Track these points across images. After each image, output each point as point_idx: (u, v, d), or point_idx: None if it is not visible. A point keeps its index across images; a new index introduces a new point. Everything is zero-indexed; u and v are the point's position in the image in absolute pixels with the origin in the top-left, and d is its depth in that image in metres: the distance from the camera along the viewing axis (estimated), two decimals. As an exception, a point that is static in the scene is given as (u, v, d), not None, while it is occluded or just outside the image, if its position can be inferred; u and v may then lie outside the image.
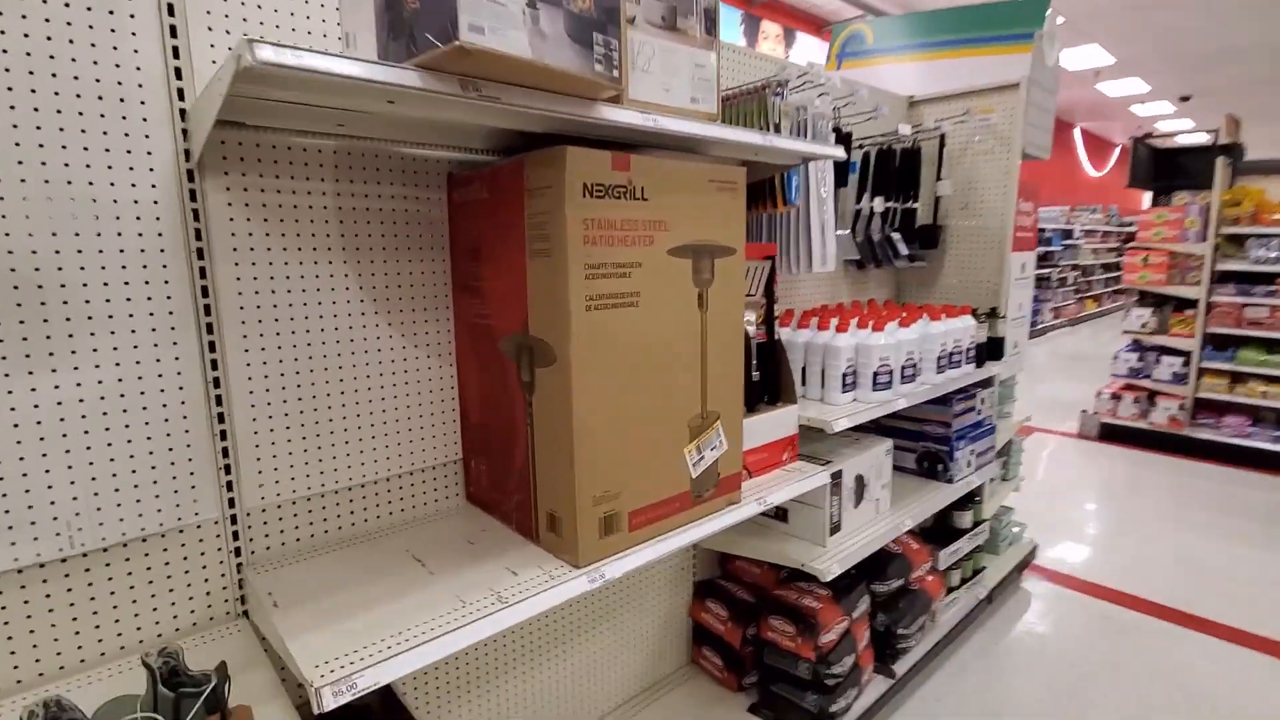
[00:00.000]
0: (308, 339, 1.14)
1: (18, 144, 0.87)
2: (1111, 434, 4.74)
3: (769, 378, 1.55)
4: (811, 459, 1.69)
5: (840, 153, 1.42)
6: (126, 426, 0.98)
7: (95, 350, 0.95)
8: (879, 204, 2.18)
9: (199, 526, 1.07)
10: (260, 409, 1.10)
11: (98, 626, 0.99)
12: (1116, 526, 3.37)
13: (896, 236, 2.22)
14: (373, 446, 1.24)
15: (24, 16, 0.86)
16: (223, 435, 1.07)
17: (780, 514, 1.78)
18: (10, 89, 0.86)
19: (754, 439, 1.46)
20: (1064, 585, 2.77)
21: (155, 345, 0.99)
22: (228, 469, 1.09)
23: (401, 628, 0.91)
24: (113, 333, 0.96)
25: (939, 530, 2.28)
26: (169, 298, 1.00)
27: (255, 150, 1.05)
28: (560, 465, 1.07)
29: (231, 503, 1.10)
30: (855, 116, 2.01)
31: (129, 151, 0.95)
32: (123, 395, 0.98)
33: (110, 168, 0.94)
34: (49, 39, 0.88)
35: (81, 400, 0.94)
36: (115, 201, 0.94)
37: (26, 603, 0.93)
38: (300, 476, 1.16)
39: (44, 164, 0.89)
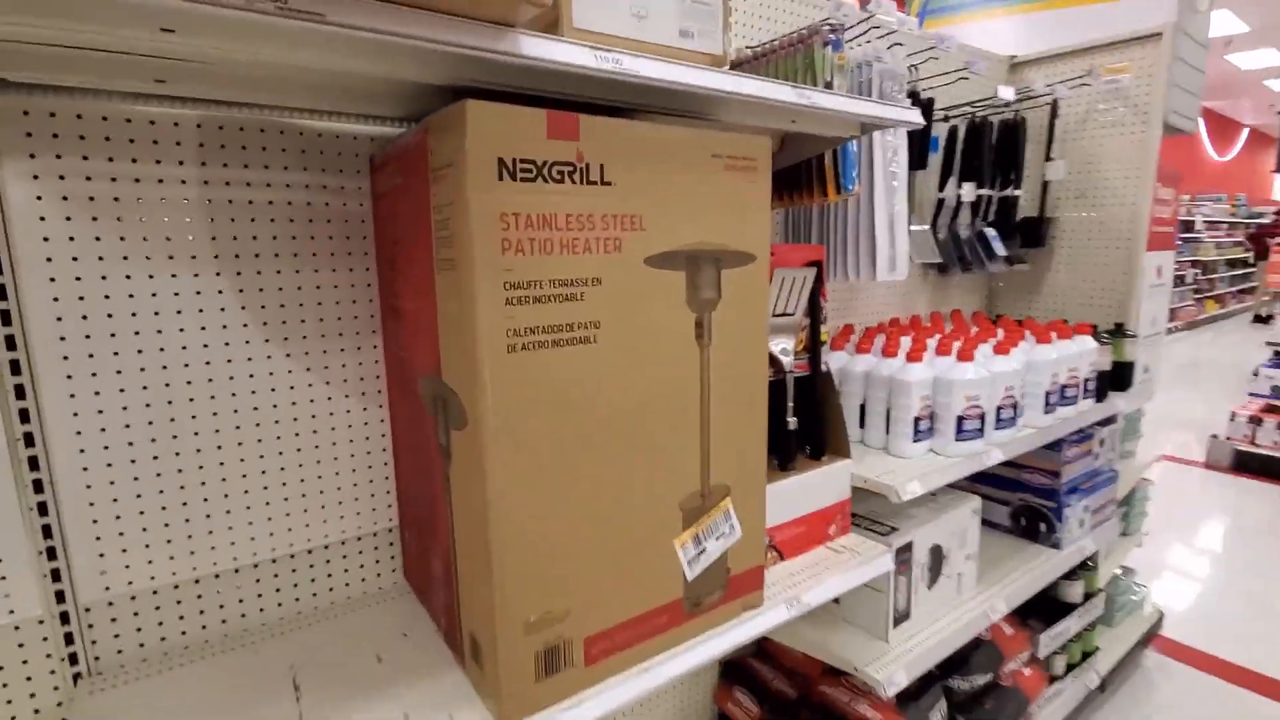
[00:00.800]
0: (167, 377, 0.85)
1: None
2: (1248, 465, 4.00)
3: (811, 423, 1.17)
4: (871, 524, 1.30)
5: (915, 116, 1.01)
6: (-112, 503, 0.72)
7: None
8: (968, 191, 1.73)
9: (16, 628, 0.80)
10: (99, 471, 0.82)
11: None
12: (1260, 585, 2.74)
13: (991, 233, 1.76)
14: (267, 515, 0.94)
15: None
16: (41, 509, 0.80)
17: (828, 590, 1.39)
18: None
19: (787, 509, 1.08)
20: (1195, 665, 2.22)
21: (-72, 392, 0.72)
22: (52, 552, 0.81)
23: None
24: None
25: (1040, 604, 1.81)
26: (-54, 327, 0.73)
27: (77, 124, 0.77)
28: (478, 573, 0.73)
29: (61, 596, 0.82)
30: (938, 79, 1.57)
31: (-128, 124, 0.67)
32: (-120, 461, 0.71)
33: None
34: None
35: None
36: None
37: None
38: (162, 559, 0.88)
39: None
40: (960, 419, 1.28)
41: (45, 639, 0.82)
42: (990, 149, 1.75)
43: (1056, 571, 1.62)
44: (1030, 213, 1.95)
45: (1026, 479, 1.68)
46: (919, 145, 1.54)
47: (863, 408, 1.36)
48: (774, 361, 1.11)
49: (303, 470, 0.97)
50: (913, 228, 1.61)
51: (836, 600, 1.37)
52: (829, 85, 1.11)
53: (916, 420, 1.28)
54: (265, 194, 0.89)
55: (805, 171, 1.20)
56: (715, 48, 0.77)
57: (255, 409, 0.92)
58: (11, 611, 0.80)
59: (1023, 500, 1.70)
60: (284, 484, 0.95)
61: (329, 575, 1.01)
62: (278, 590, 0.97)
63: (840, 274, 1.36)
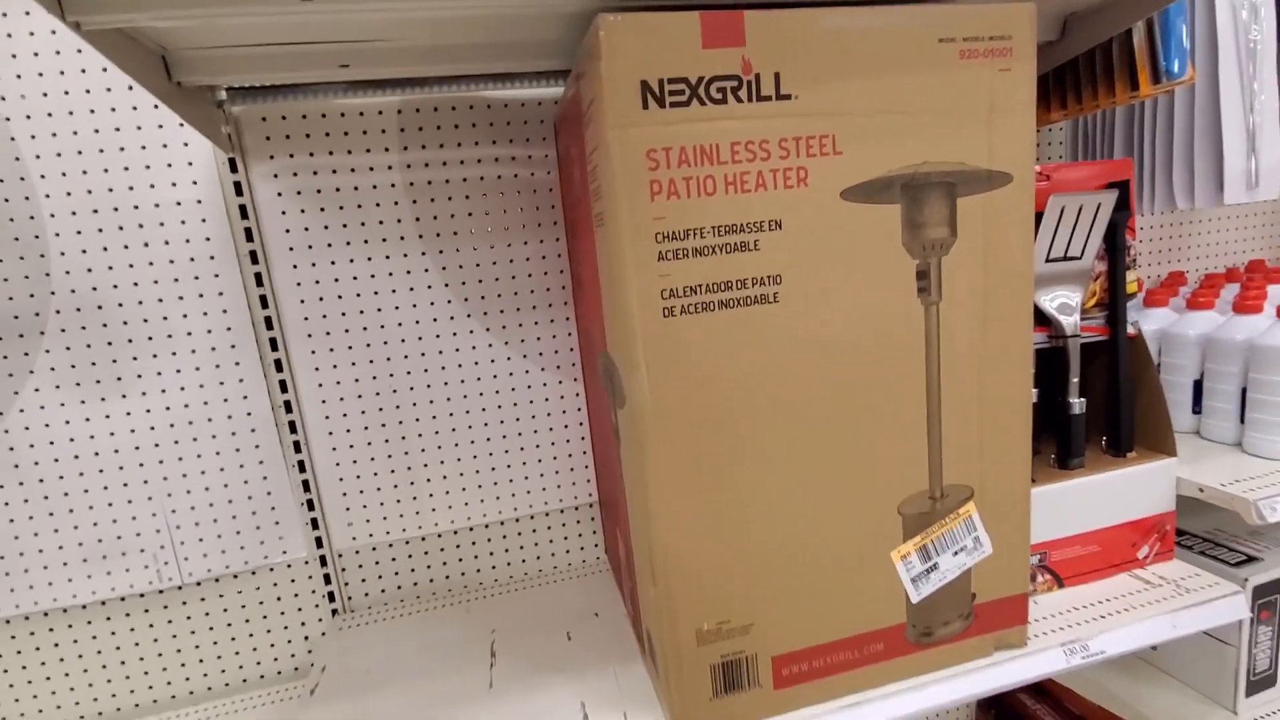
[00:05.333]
0: (388, 352, 0.92)
1: (59, 154, 0.79)
2: None
3: (1112, 406, 0.86)
4: (1211, 548, 0.94)
5: (1304, -68, 0.65)
6: (198, 457, 0.89)
7: (159, 374, 0.86)
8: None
9: (289, 566, 0.95)
10: (340, 435, 0.93)
11: (194, 662, 0.94)
12: None
13: None
14: (478, 483, 0.98)
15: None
16: (300, 466, 0.92)
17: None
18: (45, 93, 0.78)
19: (1069, 521, 0.81)
20: None
21: (217, 366, 0.87)
22: (310, 504, 0.94)
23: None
24: (174, 353, 0.86)
25: None
26: (225, 311, 0.86)
27: (302, 124, 0.85)
28: (644, 570, 0.65)
29: (319, 542, 0.95)
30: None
31: (165, 145, 0.81)
32: (191, 423, 0.88)
33: (148, 167, 0.82)
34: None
35: (152, 428, 0.87)
36: (157, 206, 0.83)
37: (113, 634, 0.90)
38: (394, 516, 0.96)
39: (84, 172, 0.80)
40: (1386, 403, 0.84)
41: (310, 577, 0.96)
42: None
43: None
44: None
45: None
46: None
47: (1199, 385, 0.97)
48: (1048, 321, 0.83)
49: (507, 441, 0.99)
50: (1295, 123, 1.11)
51: (1154, 647, 1.02)
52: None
53: (1298, 403, 0.87)
54: (459, 171, 0.90)
55: (1099, 59, 0.87)
56: (941, -112, 0.56)
57: (462, 381, 0.95)
58: (284, 552, 0.94)
59: None
60: (490, 453, 0.98)
61: (535, 544, 1.03)
62: (492, 554, 1.02)
63: (1160, 202, 0.98)
